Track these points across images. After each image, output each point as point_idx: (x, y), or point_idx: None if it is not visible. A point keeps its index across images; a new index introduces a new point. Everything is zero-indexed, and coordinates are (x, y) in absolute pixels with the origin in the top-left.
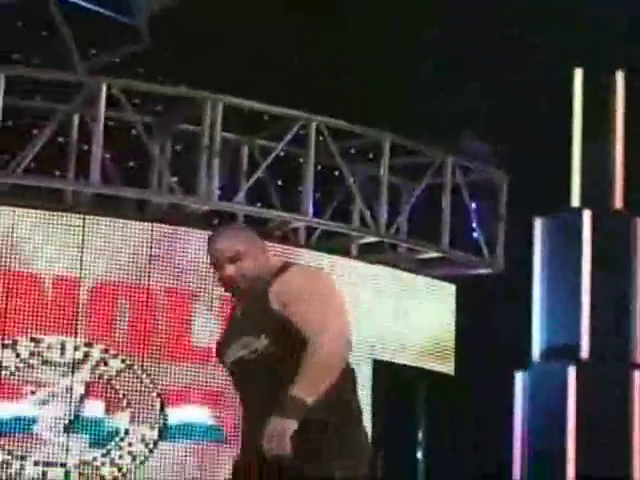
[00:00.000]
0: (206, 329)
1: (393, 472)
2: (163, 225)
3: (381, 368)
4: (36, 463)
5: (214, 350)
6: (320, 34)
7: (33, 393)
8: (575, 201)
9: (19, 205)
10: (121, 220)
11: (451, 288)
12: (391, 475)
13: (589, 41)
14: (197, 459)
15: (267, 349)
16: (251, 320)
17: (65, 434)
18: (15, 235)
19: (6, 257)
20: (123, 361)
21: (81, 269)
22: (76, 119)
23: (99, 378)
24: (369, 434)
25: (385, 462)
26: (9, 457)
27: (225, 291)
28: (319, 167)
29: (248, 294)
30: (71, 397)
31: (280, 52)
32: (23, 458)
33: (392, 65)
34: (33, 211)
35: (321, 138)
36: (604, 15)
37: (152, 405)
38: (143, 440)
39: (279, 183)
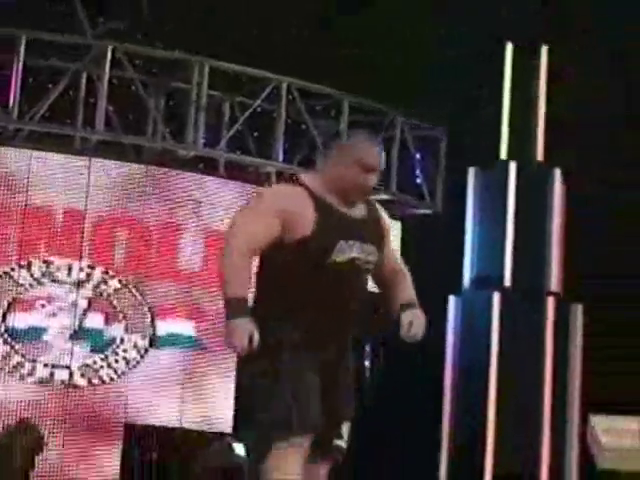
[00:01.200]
0: (191, 256)
1: None
2: (156, 167)
3: None
4: (45, 365)
5: (198, 273)
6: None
7: (44, 307)
8: (503, 154)
9: (35, 148)
10: (121, 162)
11: (397, 225)
12: None
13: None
14: (181, 364)
15: (376, 262)
16: (370, 230)
17: (70, 341)
18: (32, 174)
19: (24, 193)
20: (120, 281)
21: (86, 203)
22: (84, 76)
23: (100, 295)
24: None
25: None
26: (23, 359)
27: (355, 193)
28: (289, 121)
29: (363, 205)
30: (76, 310)
31: (260, 22)
32: (34, 361)
33: (355, 34)
34: (47, 154)
35: (291, 97)
36: None
37: (144, 318)
38: (136, 347)
39: (255, 134)
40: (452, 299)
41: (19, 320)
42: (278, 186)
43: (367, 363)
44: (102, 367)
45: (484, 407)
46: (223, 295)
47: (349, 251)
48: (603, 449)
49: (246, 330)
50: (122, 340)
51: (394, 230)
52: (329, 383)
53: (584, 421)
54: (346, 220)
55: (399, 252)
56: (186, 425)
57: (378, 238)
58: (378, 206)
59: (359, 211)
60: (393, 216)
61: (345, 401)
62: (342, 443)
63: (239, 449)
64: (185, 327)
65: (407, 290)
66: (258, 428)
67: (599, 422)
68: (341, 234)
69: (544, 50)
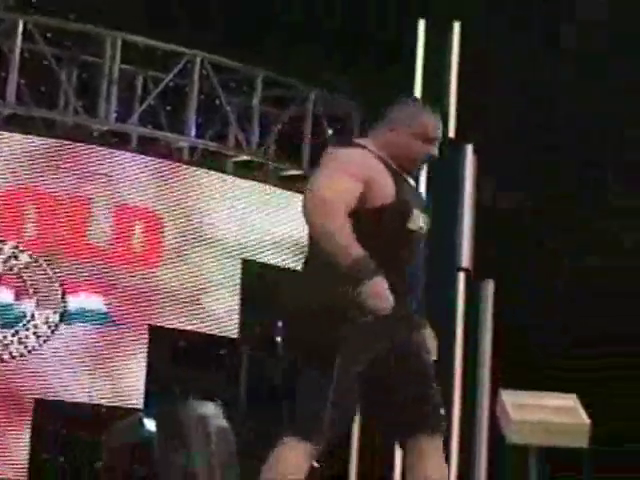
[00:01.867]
0: (101, 231)
1: (257, 349)
2: (68, 141)
3: (249, 267)
4: None
5: (108, 247)
6: None
7: None
8: None
9: None
10: (31, 136)
11: None
12: (256, 352)
13: None
14: (92, 339)
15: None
16: (420, 201)
17: None
18: None
19: None
20: (31, 256)
21: None
22: None
23: (10, 270)
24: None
25: (252, 345)
26: None
27: (412, 163)
28: (202, 96)
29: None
30: None
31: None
32: None
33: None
34: None
35: (204, 72)
36: None
37: (55, 293)
38: (46, 322)
39: (167, 109)
40: None
41: None
42: (354, 151)
43: (278, 339)
44: (12, 342)
45: None
46: (345, 258)
47: (418, 220)
48: (512, 423)
49: (387, 288)
50: (33, 315)
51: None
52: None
53: (494, 396)
54: (411, 188)
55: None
56: (97, 401)
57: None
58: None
59: (410, 180)
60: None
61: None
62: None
63: (150, 424)
64: (96, 302)
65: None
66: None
67: (509, 397)
68: (412, 202)
69: (456, 27)
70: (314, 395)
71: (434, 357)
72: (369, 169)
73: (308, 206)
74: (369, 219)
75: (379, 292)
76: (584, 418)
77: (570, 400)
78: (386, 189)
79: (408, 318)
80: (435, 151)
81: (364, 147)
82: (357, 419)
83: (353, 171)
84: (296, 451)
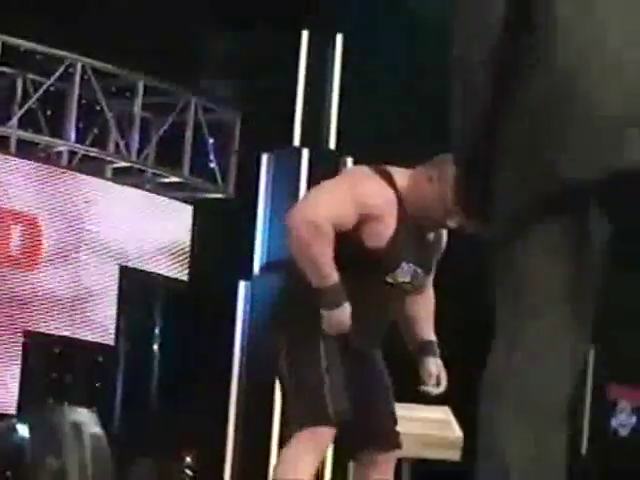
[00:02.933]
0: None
1: (134, 356)
2: None
3: (127, 273)
4: None
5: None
6: None
7: None
8: (296, 141)
9: None
10: None
11: (188, 209)
12: (133, 359)
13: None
14: None
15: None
16: (430, 254)
17: None
18: None
19: None
20: None
21: None
22: None
23: None
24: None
25: (129, 352)
26: None
27: (433, 223)
28: (83, 101)
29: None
30: None
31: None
32: None
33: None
34: None
35: (86, 77)
36: None
37: None
38: None
39: (48, 113)
40: (242, 284)
41: None
42: (373, 179)
43: (155, 347)
44: None
45: (273, 393)
46: (320, 282)
47: (405, 275)
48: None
49: (348, 317)
50: None
51: (185, 215)
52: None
53: None
54: (417, 242)
55: (190, 237)
56: None
57: (432, 262)
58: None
59: (428, 231)
60: (184, 200)
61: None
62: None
63: (23, 430)
64: None
65: (430, 322)
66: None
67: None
68: (407, 255)
69: (339, 38)
70: (305, 376)
71: (442, 387)
72: (375, 205)
73: (298, 217)
74: (351, 251)
75: (340, 322)
76: (456, 430)
77: (442, 412)
78: (381, 233)
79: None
80: (454, 225)
81: (390, 178)
82: None
83: (359, 199)
84: (307, 444)
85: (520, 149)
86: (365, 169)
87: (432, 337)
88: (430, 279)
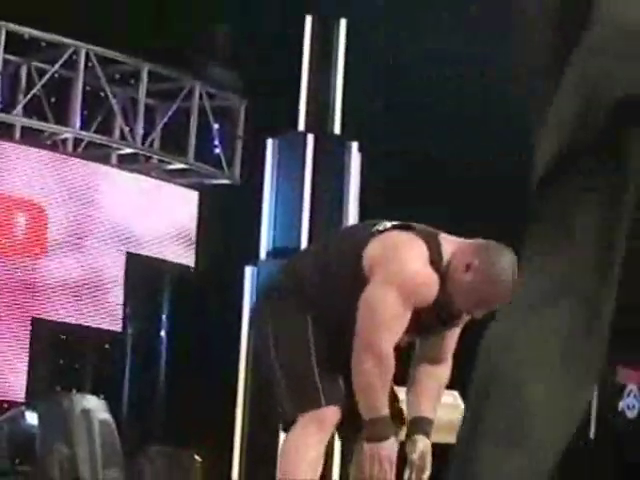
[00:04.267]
0: None
1: (142, 343)
2: None
3: (133, 260)
4: None
5: None
6: None
7: None
8: (301, 126)
9: None
10: None
11: (195, 195)
12: (140, 346)
13: None
14: None
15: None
16: (437, 331)
17: None
18: None
19: None
20: None
21: None
22: None
23: None
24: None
25: (137, 338)
26: None
27: (454, 309)
28: (87, 88)
29: None
30: None
31: None
32: None
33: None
34: None
35: (90, 64)
36: None
37: None
38: None
39: (52, 101)
40: (248, 270)
41: None
42: (422, 262)
43: (163, 334)
44: None
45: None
46: (370, 411)
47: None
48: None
49: (394, 453)
50: None
51: (191, 201)
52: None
53: None
54: (432, 326)
55: (196, 224)
56: None
57: (440, 333)
58: None
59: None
60: (190, 186)
61: None
62: None
63: (32, 418)
64: None
65: (435, 398)
66: (284, 404)
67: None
68: (415, 331)
69: (343, 23)
70: (296, 360)
71: (426, 475)
72: (428, 298)
73: (363, 349)
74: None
75: (386, 455)
76: None
77: (451, 397)
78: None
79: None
80: (479, 315)
81: (439, 251)
82: None
83: (413, 298)
84: (310, 427)
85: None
86: (415, 244)
87: (429, 414)
88: (448, 351)
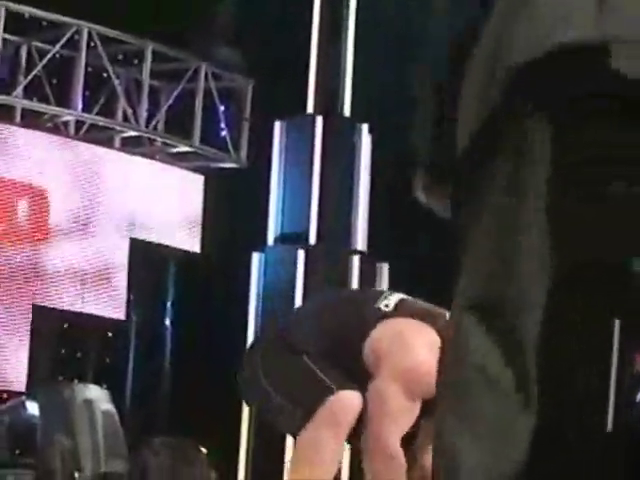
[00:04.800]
0: None
1: (146, 331)
2: None
3: (137, 246)
4: None
5: None
6: None
7: None
8: (310, 108)
9: None
10: None
11: (200, 179)
12: (144, 334)
13: None
14: None
15: None
16: None
17: None
18: None
19: None
20: None
21: None
22: None
23: None
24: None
25: (140, 327)
26: None
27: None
28: (89, 69)
29: None
30: None
31: None
32: None
33: None
34: None
35: (92, 44)
36: None
37: None
38: None
39: (54, 82)
40: (256, 256)
41: None
42: (432, 360)
43: (168, 322)
44: None
45: None
46: None
47: None
48: None
49: None
50: None
51: (196, 185)
52: None
53: None
54: None
55: (201, 205)
56: None
57: None
58: None
59: None
60: (196, 170)
61: None
62: None
63: (33, 408)
64: None
65: None
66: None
67: None
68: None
69: (353, 2)
70: (292, 373)
71: None
72: (432, 388)
73: (373, 449)
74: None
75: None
76: None
77: None
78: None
79: None
80: None
81: (436, 329)
82: None
83: (419, 389)
84: (323, 422)
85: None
86: (424, 332)
87: None
88: None
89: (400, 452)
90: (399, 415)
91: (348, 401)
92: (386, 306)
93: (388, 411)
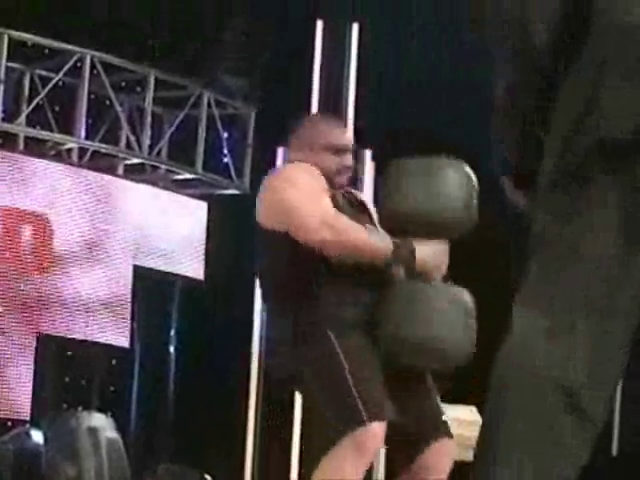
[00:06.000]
0: None
1: (150, 359)
2: None
3: (141, 273)
4: None
5: None
6: None
7: None
8: None
9: None
10: None
11: (203, 205)
12: (149, 362)
13: None
14: None
15: None
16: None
17: None
18: None
19: None
20: None
21: None
22: None
23: None
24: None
25: (145, 354)
26: None
27: (333, 177)
28: (92, 96)
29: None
30: None
31: None
32: None
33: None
34: None
35: (95, 71)
36: None
37: None
38: None
39: (56, 109)
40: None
41: None
42: (312, 169)
43: (172, 349)
44: None
45: (294, 394)
46: (375, 253)
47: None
48: None
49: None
50: None
51: (200, 212)
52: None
53: None
54: (351, 204)
55: (204, 231)
56: None
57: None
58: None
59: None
60: (199, 197)
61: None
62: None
63: (37, 436)
64: None
65: None
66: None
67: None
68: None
69: (355, 28)
70: (333, 381)
71: None
72: (325, 187)
73: (308, 233)
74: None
75: (434, 253)
76: None
77: (467, 411)
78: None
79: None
80: (348, 161)
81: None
82: None
83: (322, 186)
84: (348, 450)
85: (573, 104)
86: (301, 165)
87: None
88: None
89: (336, 215)
90: (310, 195)
91: (378, 436)
92: None
93: (297, 195)
